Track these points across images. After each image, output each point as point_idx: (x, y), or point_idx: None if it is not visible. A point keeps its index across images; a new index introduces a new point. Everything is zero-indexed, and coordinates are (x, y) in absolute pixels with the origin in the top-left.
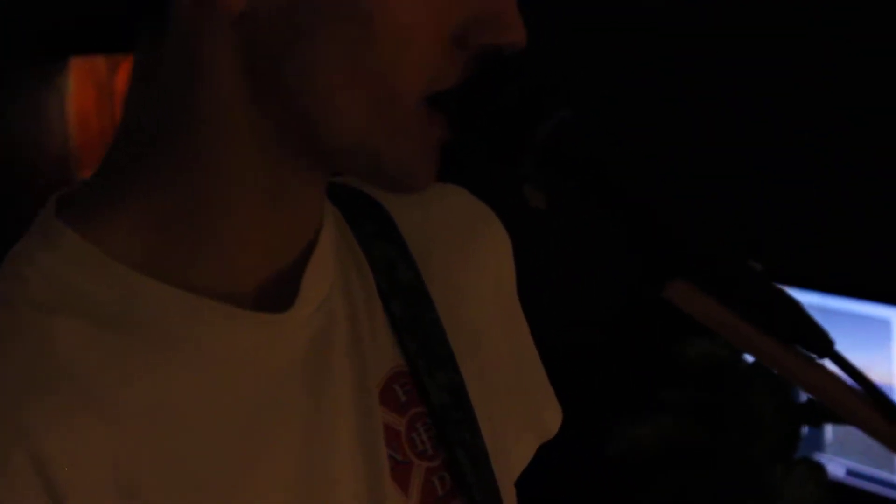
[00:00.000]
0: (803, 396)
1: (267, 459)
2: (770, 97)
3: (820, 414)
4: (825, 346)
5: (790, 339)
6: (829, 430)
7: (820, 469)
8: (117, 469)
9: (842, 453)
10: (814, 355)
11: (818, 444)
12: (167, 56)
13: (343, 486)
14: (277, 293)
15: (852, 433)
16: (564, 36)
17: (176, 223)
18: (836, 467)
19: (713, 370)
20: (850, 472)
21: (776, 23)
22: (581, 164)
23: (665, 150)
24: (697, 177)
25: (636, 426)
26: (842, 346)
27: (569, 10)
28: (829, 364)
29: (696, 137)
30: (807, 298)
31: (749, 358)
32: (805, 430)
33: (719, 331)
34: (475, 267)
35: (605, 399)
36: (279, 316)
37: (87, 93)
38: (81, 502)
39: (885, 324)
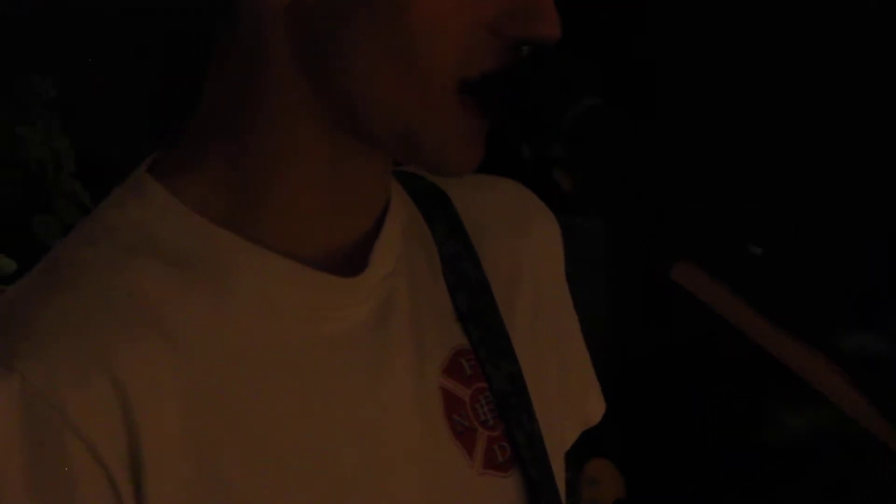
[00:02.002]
0: None
1: (322, 412)
2: (785, 83)
3: None
4: (819, 332)
5: (786, 323)
6: None
7: None
8: (184, 394)
9: None
10: (808, 340)
11: None
12: (237, 43)
13: (399, 442)
14: (345, 261)
15: None
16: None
17: (248, 183)
18: None
19: (870, 362)
20: None
21: (788, 15)
22: (602, 149)
23: (685, 134)
24: (712, 162)
25: (791, 416)
26: None
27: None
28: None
29: (712, 121)
30: None
31: None
32: None
33: (721, 311)
34: (529, 257)
35: (756, 385)
36: (348, 280)
37: None
38: (153, 422)
39: None
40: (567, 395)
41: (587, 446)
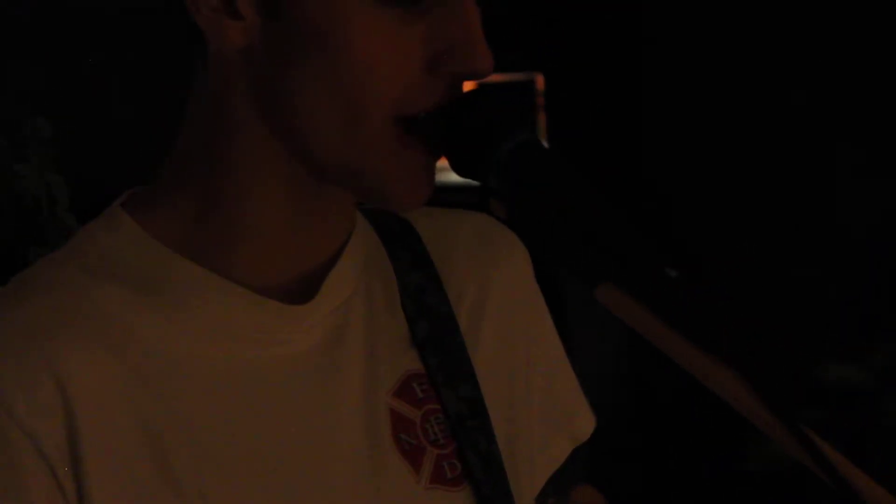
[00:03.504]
0: None
1: (270, 428)
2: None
3: None
4: (728, 350)
5: (700, 342)
6: None
7: None
8: (134, 403)
9: None
10: (719, 356)
11: None
12: (206, 85)
13: (345, 458)
14: (300, 289)
15: None
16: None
17: (212, 219)
18: None
19: (850, 394)
20: None
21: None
22: (532, 180)
23: (608, 163)
24: (631, 187)
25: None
26: None
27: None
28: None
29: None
30: None
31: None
32: None
33: (640, 330)
34: (497, 287)
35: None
36: (297, 308)
37: None
38: (94, 426)
39: None
40: (553, 415)
41: (577, 472)
